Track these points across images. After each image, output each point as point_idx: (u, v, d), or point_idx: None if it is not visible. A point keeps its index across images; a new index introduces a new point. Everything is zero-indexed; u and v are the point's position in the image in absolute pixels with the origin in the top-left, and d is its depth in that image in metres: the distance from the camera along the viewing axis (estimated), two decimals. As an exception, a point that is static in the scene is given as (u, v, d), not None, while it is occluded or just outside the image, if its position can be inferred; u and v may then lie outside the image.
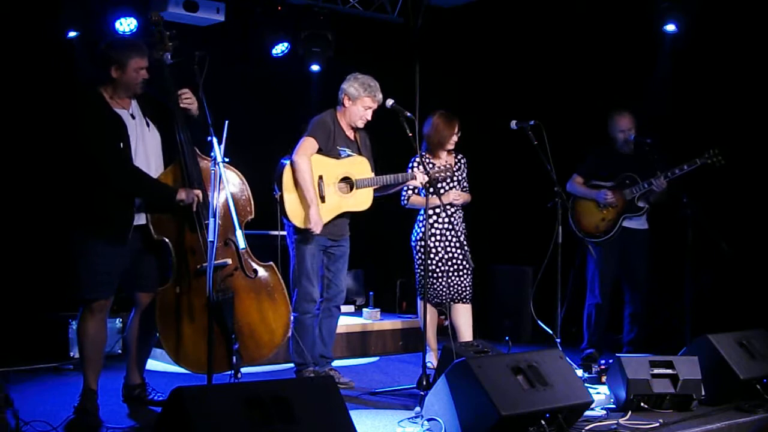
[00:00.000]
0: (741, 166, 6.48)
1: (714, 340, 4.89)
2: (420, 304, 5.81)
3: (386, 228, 8.09)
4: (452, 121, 5.85)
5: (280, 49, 7.36)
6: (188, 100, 4.49)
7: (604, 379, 5.12)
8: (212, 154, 4.11)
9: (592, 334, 6.32)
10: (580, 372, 5.01)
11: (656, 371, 4.66)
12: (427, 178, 5.19)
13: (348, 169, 5.33)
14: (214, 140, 4.11)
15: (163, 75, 4.48)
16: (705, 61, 6.82)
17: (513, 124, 5.54)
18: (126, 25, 6.39)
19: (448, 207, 5.87)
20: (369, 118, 5.38)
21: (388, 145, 5.74)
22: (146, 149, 4.47)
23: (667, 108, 7.04)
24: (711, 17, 6.65)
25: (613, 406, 4.72)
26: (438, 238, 5.87)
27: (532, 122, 5.40)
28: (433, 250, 5.86)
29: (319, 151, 5.25)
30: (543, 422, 3.94)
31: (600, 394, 4.80)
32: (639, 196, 6.19)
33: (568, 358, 4.38)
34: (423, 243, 5.73)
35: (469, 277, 5.90)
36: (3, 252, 6.16)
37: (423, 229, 5.76)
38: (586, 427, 4.25)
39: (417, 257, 5.91)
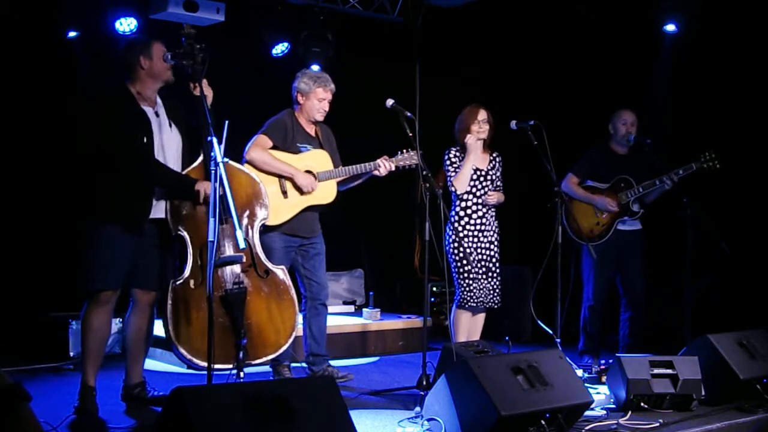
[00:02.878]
0: (741, 166, 6.48)
1: (714, 340, 4.89)
2: (454, 311, 5.68)
3: (386, 228, 8.10)
4: (475, 109, 5.71)
5: (280, 49, 7.36)
6: (206, 90, 4.55)
7: (604, 379, 5.12)
8: (212, 154, 4.11)
9: (588, 337, 6.27)
10: (580, 372, 5.01)
11: (656, 371, 4.66)
12: (392, 167, 5.23)
13: (308, 162, 5.29)
14: (214, 140, 4.11)
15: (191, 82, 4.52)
16: (705, 61, 6.82)
17: (513, 124, 5.54)
18: (126, 25, 6.38)
19: (480, 207, 5.69)
20: (326, 109, 5.37)
21: (389, 145, 5.73)
22: (165, 148, 4.54)
23: (667, 108, 7.04)
24: (711, 17, 6.66)
25: (613, 406, 4.72)
26: (469, 239, 5.67)
27: (531, 122, 5.39)
28: (468, 252, 5.65)
29: (276, 149, 5.24)
30: (543, 422, 3.94)
31: (600, 394, 4.80)
32: (634, 199, 6.16)
33: (568, 358, 4.38)
34: (456, 245, 5.62)
35: (498, 280, 5.72)
36: (3, 252, 6.16)
37: (454, 233, 5.63)
38: (586, 427, 4.25)
39: (453, 261, 5.67)
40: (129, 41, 4.69)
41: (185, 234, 4.52)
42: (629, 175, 6.15)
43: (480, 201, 5.70)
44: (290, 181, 5.23)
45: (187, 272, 4.49)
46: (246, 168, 4.92)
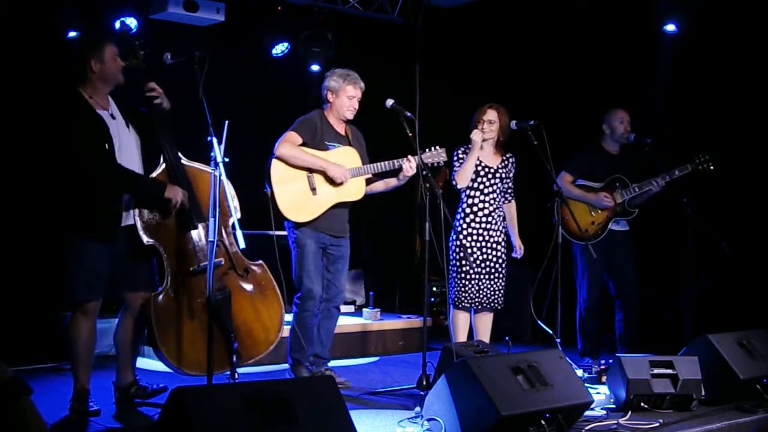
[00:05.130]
0: (741, 165, 6.48)
1: (714, 340, 4.89)
2: (451, 311, 5.67)
3: (386, 228, 8.10)
4: (485, 108, 5.67)
5: (280, 49, 7.37)
6: (153, 93, 4.50)
7: (604, 379, 5.13)
8: (212, 154, 4.11)
9: (586, 338, 6.25)
10: (580, 372, 5.01)
11: (656, 371, 4.66)
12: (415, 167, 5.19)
13: (337, 159, 5.26)
14: (214, 140, 4.11)
15: (137, 81, 4.49)
16: (705, 61, 6.83)
17: (513, 124, 5.54)
18: (126, 25, 6.39)
19: (487, 205, 5.66)
20: (356, 107, 5.34)
21: (389, 145, 5.73)
22: (128, 149, 4.47)
23: (667, 108, 7.04)
24: (711, 17, 6.66)
25: (613, 406, 4.72)
26: (474, 238, 5.63)
27: (531, 122, 5.39)
28: (468, 251, 5.59)
29: (305, 146, 5.22)
30: (543, 422, 3.94)
31: (600, 394, 4.80)
32: (629, 199, 6.15)
33: (568, 358, 4.38)
34: (458, 242, 5.58)
35: (502, 281, 5.69)
36: (3, 252, 6.16)
37: (459, 229, 5.58)
38: (586, 427, 4.25)
39: (453, 258, 5.65)
40: (78, 41, 4.48)
41: (157, 244, 4.46)
42: (623, 175, 6.14)
43: (488, 198, 5.66)
44: (321, 175, 5.20)
45: (166, 283, 4.46)
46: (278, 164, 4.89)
